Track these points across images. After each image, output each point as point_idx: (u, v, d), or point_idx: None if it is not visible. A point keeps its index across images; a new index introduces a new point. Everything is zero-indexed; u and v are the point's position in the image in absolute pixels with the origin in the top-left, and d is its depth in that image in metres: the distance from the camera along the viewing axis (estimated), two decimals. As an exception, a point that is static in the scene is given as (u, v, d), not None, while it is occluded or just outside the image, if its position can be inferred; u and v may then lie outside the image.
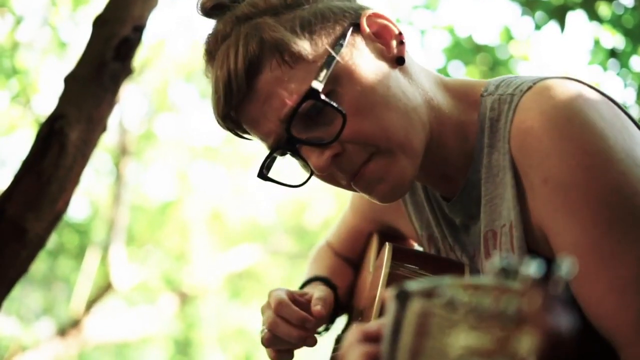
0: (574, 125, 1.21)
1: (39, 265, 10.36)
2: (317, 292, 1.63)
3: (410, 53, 1.46)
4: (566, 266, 0.71)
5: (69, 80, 2.06)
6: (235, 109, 1.37)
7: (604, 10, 4.38)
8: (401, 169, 1.34)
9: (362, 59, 1.35)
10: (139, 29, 2.13)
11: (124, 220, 8.95)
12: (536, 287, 0.70)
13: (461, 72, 5.17)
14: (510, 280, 0.71)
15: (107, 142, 9.46)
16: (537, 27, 4.55)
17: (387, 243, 1.48)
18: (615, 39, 4.55)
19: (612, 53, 4.52)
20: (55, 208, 1.94)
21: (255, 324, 12.09)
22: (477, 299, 0.72)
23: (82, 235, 10.85)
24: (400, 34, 1.40)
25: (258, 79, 1.33)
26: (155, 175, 12.59)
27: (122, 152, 9.28)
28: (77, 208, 11.41)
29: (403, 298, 0.77)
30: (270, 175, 1.45)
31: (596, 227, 1.18)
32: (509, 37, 5.26)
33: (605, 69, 4.66)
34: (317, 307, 1.53)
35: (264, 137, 1.39)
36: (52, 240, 9.72)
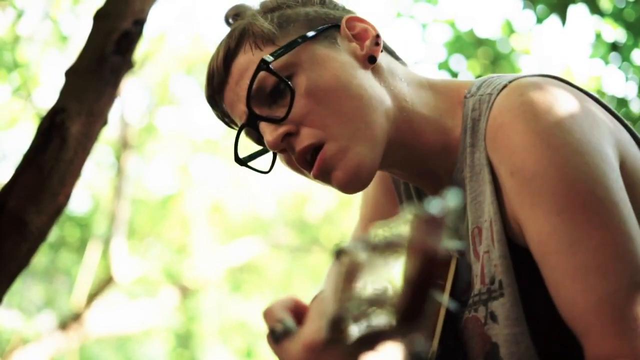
0: (540, 120, 1.24)
1: (41, 258, 10.37)
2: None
3: (397, 56, 1.53)
4: (451, 196, 0.83)
5: (70, 73, 2.06)
6: (216, 93, 1.48)
7: (605, 3, 4.38)
8: (356, 155, 1.36)
9: (331, 51, 1.42)
10: (139, 23, 2.13)
11: (125, 213, 8.96)
12: (422, 218, 0.82)
13: (463, 66, 5.17)
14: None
15: (108, 135, 9.47)
16: (539, 20, 4.54)
17: None
18: (616, 33, 4.55)
19: (614, 47, 4.52)
20: (56, 201, 1.94)
21: (256, 317, 12.13)
22: (380, 238, 0.86)
23: (83, 228, 10.88)
24: (377, 36, 1.46)
25: (233, 63, 1.44)
26: (156, 169, 12.62)
27: (123, 145, 9.29)
28: (79, 201, 11.44)
29: (337, 255, 0.91)
30: (250, 165, 1.53)
31: (558, 215, 1.20)
32: (511, 31, 5.25)
33: (606, 62, 4.66)
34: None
35: (239, 121, 1.46)
36: (54, 234, 9.72)
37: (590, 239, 1.17)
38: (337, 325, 0.89)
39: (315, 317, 1.06)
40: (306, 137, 1.37)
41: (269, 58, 1.36)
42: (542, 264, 1.22)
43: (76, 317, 8.52)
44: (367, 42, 1.45)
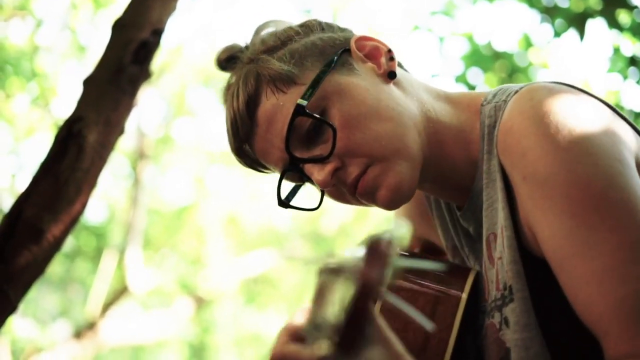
0: (549, 122, 1.24)
1: (56, 267, 10.42)
2: None
3: (406, 69, 1.54)
4: (398, 228, 0.88)
5: (88, 83, 2.07)
6: (244, 143, 1.47)
7: (624, 18, 4.35)
8: (397, 172, 1.37)
9: (352, 77, 1.41)
10: (157, 33, 2.14)
11: (141, 223, 8.99)
12: (367, 249, 0.86)
13: (480, 79, 5.15)
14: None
15: (125, 146, 9.51)
16: (557, 34, 4.52)
17: None
18: (635, 47, 4.53)
19: (632, 61, 4.49)
20: (72, 210, 1.94)
21: (270, 329, 12.12)
22: (335, 262, 0.91)
23: (99, 238, 10.91)
24: (389, 50, 1.47)
25: (258, 110, 1.42)
26: (172, 179, 12.64)
27: (140, 155, 9.32)
28: (95, 211, 11.48)
29: (318, 274, 0.95)
30: (291, 201, 1.52)
31: (570, 217, 1.19)
32: (528, 44, 5.23)
33: (625, 77, 4.63)
34: None
35: (275, 167, 1.46)
36: (69, 243, 9.76)
37: (605, 241, 1.17)
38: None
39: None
40: (354, 168, 1.38)
41: (303, 102, 1.35)
42: (557, 268, 1.22)
43: (91, 327, 8.55)
44: (382, 60, 1.45)
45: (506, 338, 1.32)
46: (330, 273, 0.89)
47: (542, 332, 1.29)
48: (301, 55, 1.43)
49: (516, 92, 1.35)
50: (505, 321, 1.32)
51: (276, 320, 12.30)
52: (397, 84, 1.45)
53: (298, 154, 1.39)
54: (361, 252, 0.87)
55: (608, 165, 1.21)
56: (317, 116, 1.36)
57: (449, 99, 1.49)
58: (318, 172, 1.38)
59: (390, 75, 1.43)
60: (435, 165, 1.44)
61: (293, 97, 1.38)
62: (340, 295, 0.86)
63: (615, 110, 1.36)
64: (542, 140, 1.23)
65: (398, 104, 1.40)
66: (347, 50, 1.46)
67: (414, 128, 1.40)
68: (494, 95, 1.43)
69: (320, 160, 1.38)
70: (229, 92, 1.47)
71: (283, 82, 1.40)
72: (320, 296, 0.89)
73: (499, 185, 1.34)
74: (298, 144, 1.39)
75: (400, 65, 1.52)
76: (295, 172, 1.42)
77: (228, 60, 1.56)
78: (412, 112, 1.41)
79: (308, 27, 1.50)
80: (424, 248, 1.83)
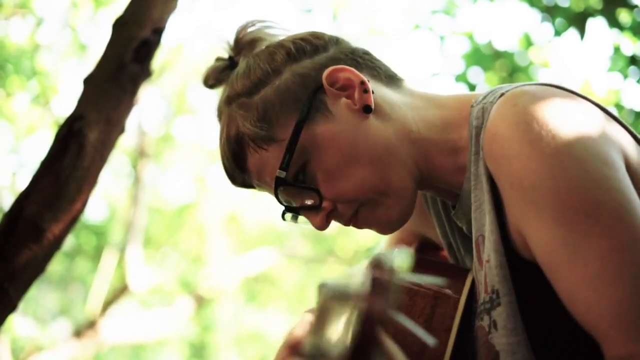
0: (533, 129, 1.23)
1: (56, 266, 10.43)
2: None
3: (381, 83, 1.49)
4: (398, 256, 0.87)
5: (88, 81, 2.07)
6: (244, 183, 1.54)
7: (624, 17, 4.35)
8: (386, 211, 1.42)
9: (328, 124, 1.41)
10: (158, 32, 2.13)
11: (142, 222, 8.99)
12: (373, 276, 0.84)
13: (480, 78, 5.16)
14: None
15: (125, 144, 9.51)
16: (557, 33, 4.52)
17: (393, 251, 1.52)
18: (635, 46, 4.53)
19: (633, 60, 4.49)
20: (72, 208, 1.94)
21: (271, 328, 12.12)
22: (340, 286, 0.87)
23: (99, 236, 10.92)
24: (362, 82, 1.43)
25: (246, 163, 1.47)
26: (173, 178, 12.64)
27: (141, 154, 9.32)
28: (95, 209, 11.48)
29: (319, 290, 0.93)
30: (296, 218, 1.56)
31: (560, 224, 1.19)
32: (529, 44, 5.23)
33: (625, 76, 4.63)
34: None
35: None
36: (70, 242, 9.76)
37: (596, 247, 1.16)
38: None
39: None
40: (345, 210, 1.43)
41: (282, 173, 1.39)
42: (551, 274, 1.22)
43: (91, 325, 8.54)
44: (356, 95, 1.42)
45: (495, 342, 1.31)
46: (334, 297, 0.88)
47: (531, 336, 1.29)
48: (275, 110, 1.43)
49: (502, 95, 1.33)
50: (493, 324, 1.32)
51: (277, 319, 12.30)
52: (375, 113, 1.43)
53: (293, 202, 1.46)
54: (365, 277, 0.87)
55: (594, 169, 1.20)
56: (297, 185, 1.41)
57: (439, 104, 1.48)
58: (314, 218, 1.45)
59: (366, 110, 1.41)
60: (424, 175, 1.45)
61: (275, 154, 1.41)
62: (345, 321, 0.86)
63: (609, 113, 1.35)
64: (526, 148, 1.22)
65: (377, 142, 1.40)
66: (321, 87, 1.44)
67: (398, 161, 1.41)
68: (484, 97, 1.41)
69: (313, 209, 1.44)
70: (219, 132, 1.52)
71: (262, 141, 1.43)
72: (323, 319, 0.88)
73: (485, 188, 1.34)
74: (291, 193, 1.44)
75: (380, 76, 1.50)
76: (293, 214, 1.50)
77: (215, 81, 1.61)
78: (393, 144, 1.41)
79: (278, 63, 1.48)
80: (420, 244, 1.83)
